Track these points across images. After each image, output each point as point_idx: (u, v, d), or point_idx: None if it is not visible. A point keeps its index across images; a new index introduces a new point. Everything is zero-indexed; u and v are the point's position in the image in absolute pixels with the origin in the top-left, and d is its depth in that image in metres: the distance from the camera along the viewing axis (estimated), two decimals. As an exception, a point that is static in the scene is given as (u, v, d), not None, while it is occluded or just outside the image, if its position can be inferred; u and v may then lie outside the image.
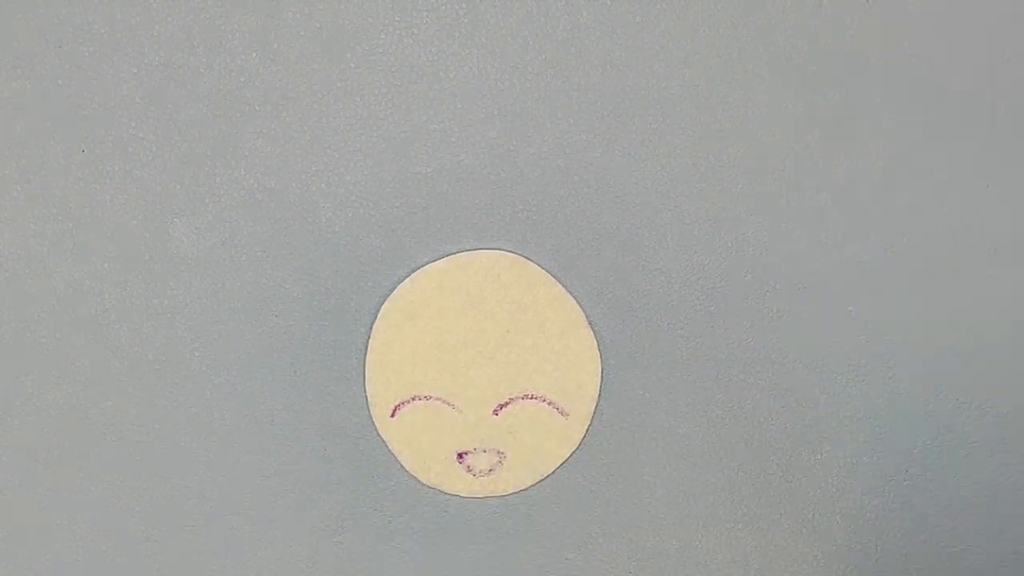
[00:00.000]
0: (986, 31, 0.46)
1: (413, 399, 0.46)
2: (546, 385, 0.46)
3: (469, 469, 0.47)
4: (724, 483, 0.47)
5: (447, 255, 0.46)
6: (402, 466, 0.47)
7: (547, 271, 0.46)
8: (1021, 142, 0.46)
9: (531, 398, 0.46)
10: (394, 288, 0.46)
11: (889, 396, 0.48)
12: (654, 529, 0.47)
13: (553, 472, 0.47)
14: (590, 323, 0.46)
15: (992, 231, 0.46)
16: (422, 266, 0.46)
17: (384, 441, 0.47)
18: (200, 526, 0.47)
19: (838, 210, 0.46)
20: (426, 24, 0.45)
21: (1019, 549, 0.50)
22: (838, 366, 0.48)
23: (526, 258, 0.46)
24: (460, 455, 0.47)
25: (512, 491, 0.47)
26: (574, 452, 0.47)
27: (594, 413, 0.47)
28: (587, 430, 0.47)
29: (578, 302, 0.46)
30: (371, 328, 0.46)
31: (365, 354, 0.46)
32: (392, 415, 0.46)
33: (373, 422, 0.46)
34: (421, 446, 0.47)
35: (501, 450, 0.47)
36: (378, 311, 0.46)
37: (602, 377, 0.46)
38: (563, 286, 0.46)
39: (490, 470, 0.47)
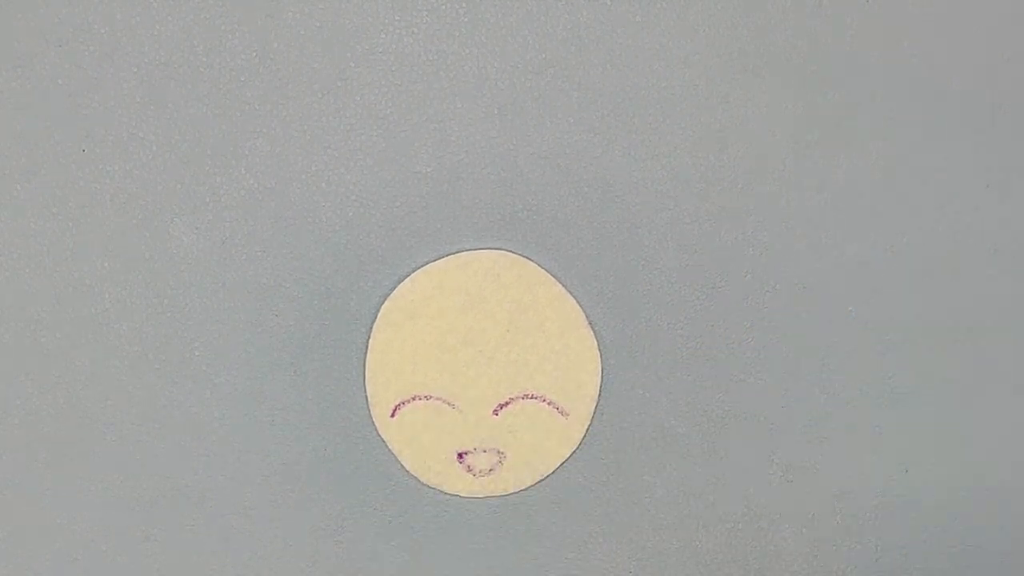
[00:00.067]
0: (986, 31, 0.46)
1: (413, 399, 0.46)
2: (546, 385, 0.46)
3: (469, 469, 0.47)
4: (724, 483, 0.47)
5: (447, 255, 0.46)
6: (402, 466, 0.47)
7: (547, 271, 0.46)
8: (1021, 142, 0.46)
9: (531, 398, 0.46)
10: (394, 288, 0.46)
11: (889, 396, 0.48)
12: (654, 529, 0.47)
13: (553, 472, 0.47)
14: (590, 323, 0.46)
15: (992, 231, 0.46)
16: (422, 266, 0.46)
17: (384, 441, 0.47)
18: (200, 526, 0.47)
19: (838, 210, 0.46)
20: (426, 24, 0.45)
21: (1019, 549, 0.50)
22: (838, 366, 0.48)
23: (526, 258, 0.46)
24: (460, 455, 0.47)
25: (512, 491, 0.47)
26: (574, 452, 0.47)
27: (594, 413, 0.47)
28: (587, 430, 0.47)
29: (578, 302, 0.46)
30: (371, 328, 0.46)
31: (365, 354, 0.46)
32: (392, 415, 0.46)
33: (373, 422, 0.46)
34: (421, 446, 0.47)
35: (501, 450, 0.47)
36: (378, 311, 0.46)
37: (602, 377, 0.46)
38: (563, 286, 0.46)
39: (490, 470, 0.47)
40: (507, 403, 0.46)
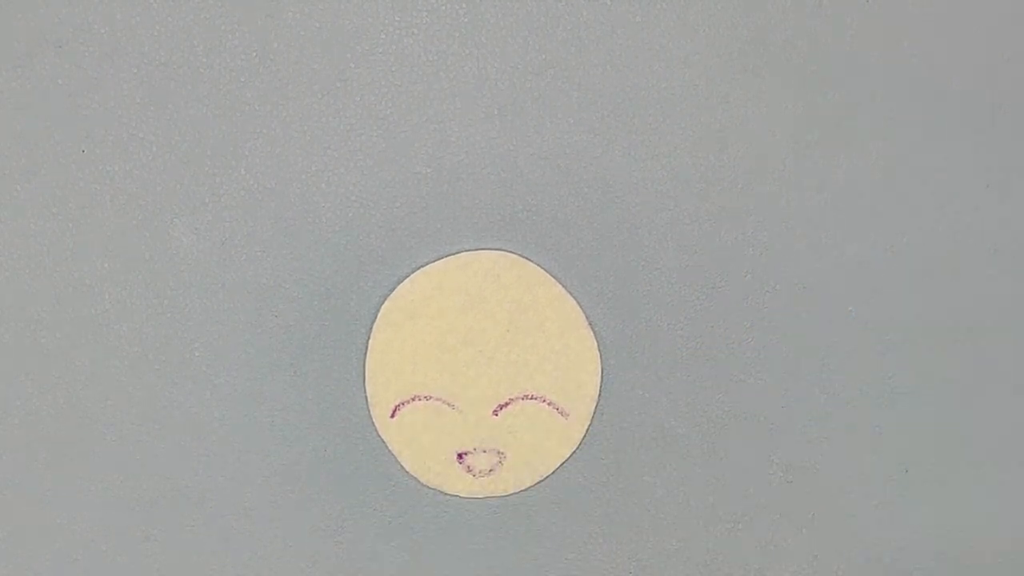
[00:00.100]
0: (986, 31, 0.46)
1: (413, 399, 0.46)
2: (546, 385, 0.46)
3: (469, 469, 0.47)
4: (724, 483, 0.47)
5: (447, 255, 0.46)
6: (402, 466, 0.47)
7: (547, 271, 0.46)
8: (1021, 142, 0.46)
9: (531, 398, 0.46)
10: (394, 288, 0.46)
11: (889, 396, 0.48)
12: (654, 529, 0.47)
13: (553, 472, 0.47)
14: (590, 323, 0.46)
15: (992, 231, 0.46)
16: (422, 266, 0.46)
17: (384, 441, 0.47)
18: (200, 526, 0.47)
19: (838, 210, 0.46)
20: (426, 24, 0.45)
21: (1019, 549, 0.50)
22: (838, 366, 0.48)
23: (526, 258, 0.46)
24: (460, 455, 0.47)
25: (512, 491, 0.47)
26: (574, 452, 0.47)
27: (594, 413, 0.47)
28: (587, 430, 0.47)
29: (578, 302, 0.46)
30: (371, 328, 0.46)
31: (365, 354, 0.46)
32: (392, 415, 0.46)
33: (373, 422, 0.46)
34: (421, 446, 0.47)
35: (501, 450, 0.47)
36: (378, 311, 0.46)
37: (602, 377, 0.46)
38: (563, 286, 0.46)
39: (490, 470, 0.47)
40: (507, 403, 0.46)
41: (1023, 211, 0.46)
